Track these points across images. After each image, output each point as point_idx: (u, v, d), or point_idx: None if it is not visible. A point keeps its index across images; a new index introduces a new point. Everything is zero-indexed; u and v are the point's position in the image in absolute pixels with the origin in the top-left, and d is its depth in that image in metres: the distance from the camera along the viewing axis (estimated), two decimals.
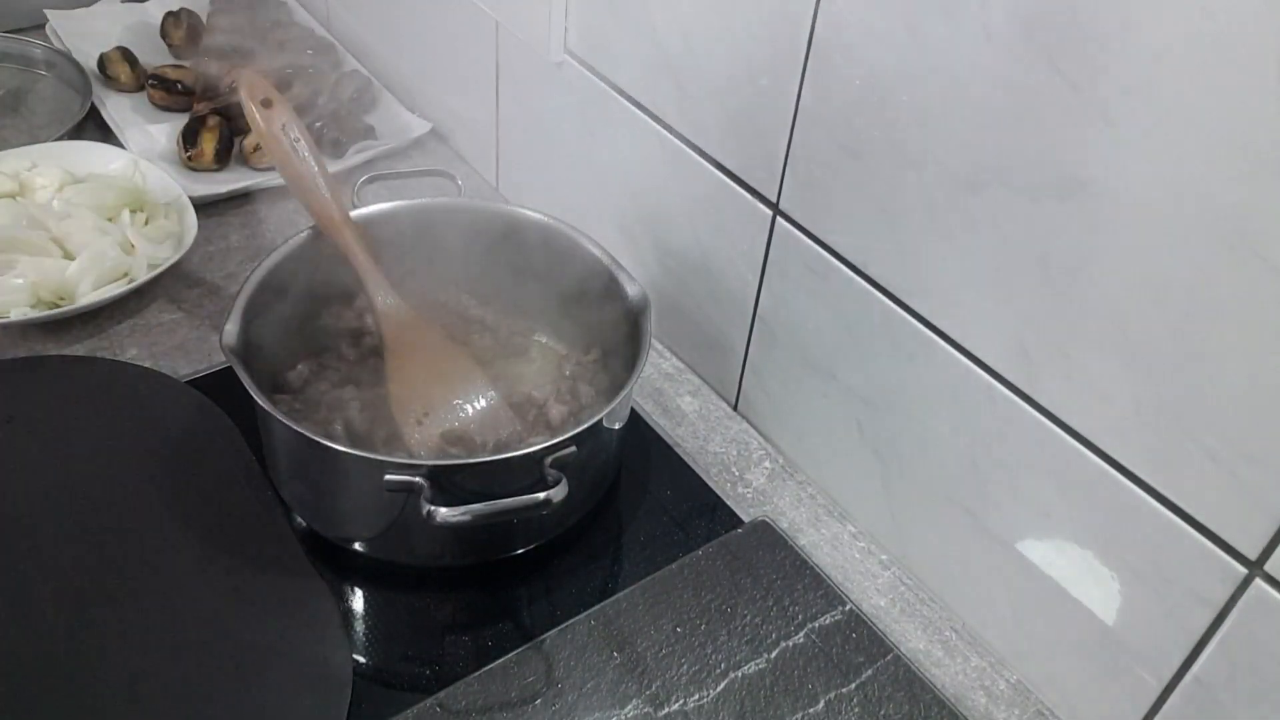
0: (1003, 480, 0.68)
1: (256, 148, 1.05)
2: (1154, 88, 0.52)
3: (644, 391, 0.91)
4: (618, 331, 0.82)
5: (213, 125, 1.05)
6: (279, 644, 0.68)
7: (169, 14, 1.22)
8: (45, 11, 1.22)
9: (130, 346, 0.88)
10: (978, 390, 0.67)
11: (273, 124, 0.78)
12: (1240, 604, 0.58)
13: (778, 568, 0.76)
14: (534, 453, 0.67)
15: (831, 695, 0.69)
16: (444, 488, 0.65)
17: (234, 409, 0.81)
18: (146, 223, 0.95)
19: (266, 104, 0.78)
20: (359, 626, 0.71)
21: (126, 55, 1.14)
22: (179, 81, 1.11)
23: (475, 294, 0.87)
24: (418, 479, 0.65)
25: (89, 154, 1.00)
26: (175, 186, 0.98)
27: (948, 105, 0.62)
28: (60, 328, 0.89)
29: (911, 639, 0.74)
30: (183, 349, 0.88)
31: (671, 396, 0.91)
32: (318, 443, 0.66)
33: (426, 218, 0.82)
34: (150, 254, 0.91)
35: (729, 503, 0.81)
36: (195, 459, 0.78)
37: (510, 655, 0.69)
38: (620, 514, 0.81)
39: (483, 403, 0.78)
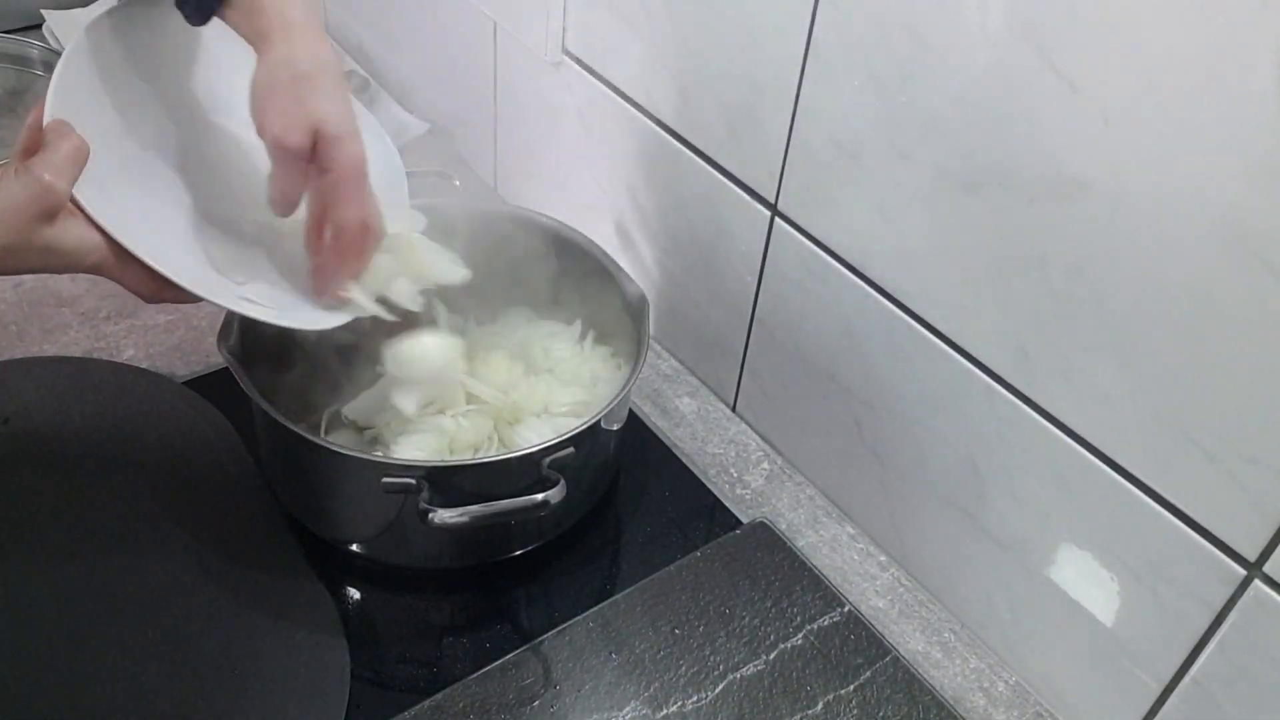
0: (1002, 481, 0.68)
1: None
2: (1154, 88, 0.52)
3: (642, 392, 0.91)
4: (616, 332, 0.82)
5: None
6: (276, 646, 0.67)
7: None
8: (43, 12, 1.22)
9: (127, 347, 0.88)
10: (977, 391, 0.67)
11: None
12: (1239, 605, 0.58)
13: (776, 569, 0.76)
14: (532, 454, 0.67)
15: (830, 697, 0.69)
16: (442, 489, 0.65)
17: (231, 410, 0.81)
18: None
19: None
20: (357, 628, 0.71)
21: None
22: None
23: (472, 294, 0.86)
24: (415, 480, 0.65)
25: None
26: None
27: (945, 106, 0.61)
28: (58, 328, 0.88)
29: (910, 640, 0.74)
30: (180, 350, 0.88)
31: (670, 397, 0.91)
32: (315, 444, 0.66)
33: (424, 218, 0.82)
34: None
35: (727, 504, 0.81)
36: (192, 460, 0.78)
37: (508, 657, 0.69)
38: (618, 515, 0.81)
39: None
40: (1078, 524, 0.65)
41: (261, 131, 0.63)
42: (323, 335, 0.75)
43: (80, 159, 0.56)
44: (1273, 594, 0.56)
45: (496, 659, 0.69)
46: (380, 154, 0.73)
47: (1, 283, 0.92)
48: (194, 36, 0.68)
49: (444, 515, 0.63)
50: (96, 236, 0.56)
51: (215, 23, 0.66)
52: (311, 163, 0.63)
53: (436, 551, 0.73)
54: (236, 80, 0.67)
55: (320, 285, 0.68)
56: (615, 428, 0.76)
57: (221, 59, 0.69)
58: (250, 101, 0.63)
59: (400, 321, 0.80)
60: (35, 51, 1.18)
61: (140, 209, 0.62)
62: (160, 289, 0.59)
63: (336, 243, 0.65)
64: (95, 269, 0.57)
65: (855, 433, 0.78)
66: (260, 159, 0.67)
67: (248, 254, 0.68)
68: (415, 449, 0.73)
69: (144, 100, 0.65)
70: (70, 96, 0.59)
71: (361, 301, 0.68)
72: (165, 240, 0.61)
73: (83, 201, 0.56)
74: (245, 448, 0.79)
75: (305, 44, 0.62)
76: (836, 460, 0.81)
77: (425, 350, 0.74)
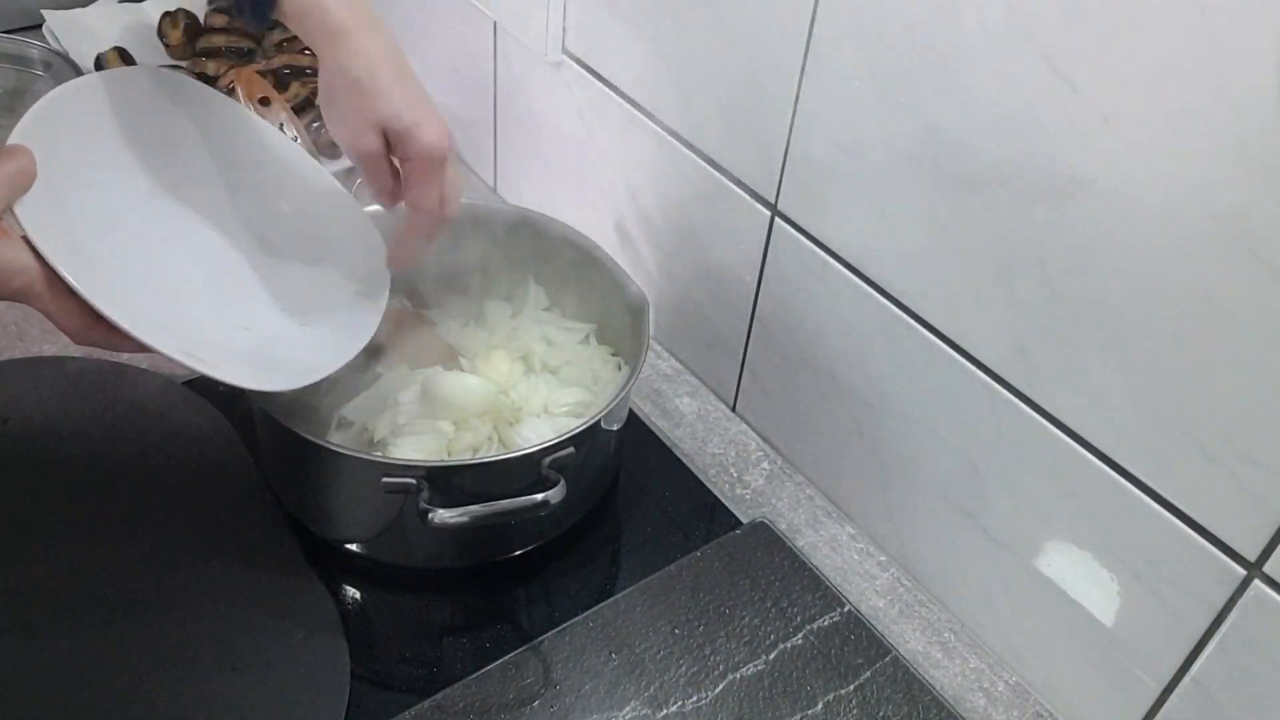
0: (1001, 481, 0.68)
1: None
2: (1154, 88, 0.52)
3: (642, 392, 0.91)
4: (616, 332, 0.82)
5: None
6: (276, 646, 0.67)
7: (166, 14, 1.22)
8: (42, 11, 1.22)
9: None
10: (976, 391, 0.67)
11: (270, 123, 0.78)
12: (1239, 605, 0.58)
13: (776, 569, 0.76)
14: (532, 454, 0.67)
15: (830, 697, 0.69)
16: (442, 489, 0.65)
17: (232, 411, 0.81)
18: None
19: (264, 103, 0.78)
20: (356, 628, 0.71)
21: (124, 55, 1.14)
22: None
23: (470, 293, 0.86)
24: (415, 480, 0.65)
25: None
26: None
27: (947, 105, 0.61)
28: (57, 329, 0.88)
29: (910, 640, 0.74)
30: None
31: (670, 397, 0.91)
32: (315, 444, 0.66)
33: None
34: None
35: (727, 504, 0.81)
36: (192, 460, 0.78)
37: (508, 657, 0.69)
38: (618, 515, 0.81)
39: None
40: (1078, 524, 0.65)
41: (338, 142, 0.66)
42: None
43: (22, 181, 0.55)
44: (1273, 594, 0.56)
45: (496, 659, 0.69)
46: (361, 247, 0.74)
47: None
48: (184, 109, 0.69)
49: (444, 515, 0.63)
50: (28, 260, 0.54)
51: (203, 97, 0.69)
52: (394, 154, 0.66)
53: (436, 551, 0.73)
54: (222, 152, 0.70)
55: (396, 256, 0.72)
56: (615, 428, 0.76)
57: (209, 132, 0.71)
58: (325, 118, 0.66)
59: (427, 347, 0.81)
60: (35, 51, 1.18)
61: (89, 253, 0.60)
62: (90, 325, 0.57)
63: (412, 219, 0.68)
64: (21, 293, 0.55)
65: (855, 432, 0.78)
66: (238, 236, 0.70)
67: (212, 329, 0.67)
68: (415, 449, 0.73)
69: (119, 163, 0.66)
70: (42, 134, 0.59)
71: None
72: (109, 287, 0.58)
73: (22, 220, 0.55)
74: (245, 448, 0.79)
75: (355, 47, 0.63)
76: (836, 460, 0.81)
77: (467, 390, 0.75)
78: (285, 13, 0.63)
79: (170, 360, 0.59)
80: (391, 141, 0.64)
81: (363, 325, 0.71)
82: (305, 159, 0.74)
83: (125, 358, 0.86)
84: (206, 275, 0.68)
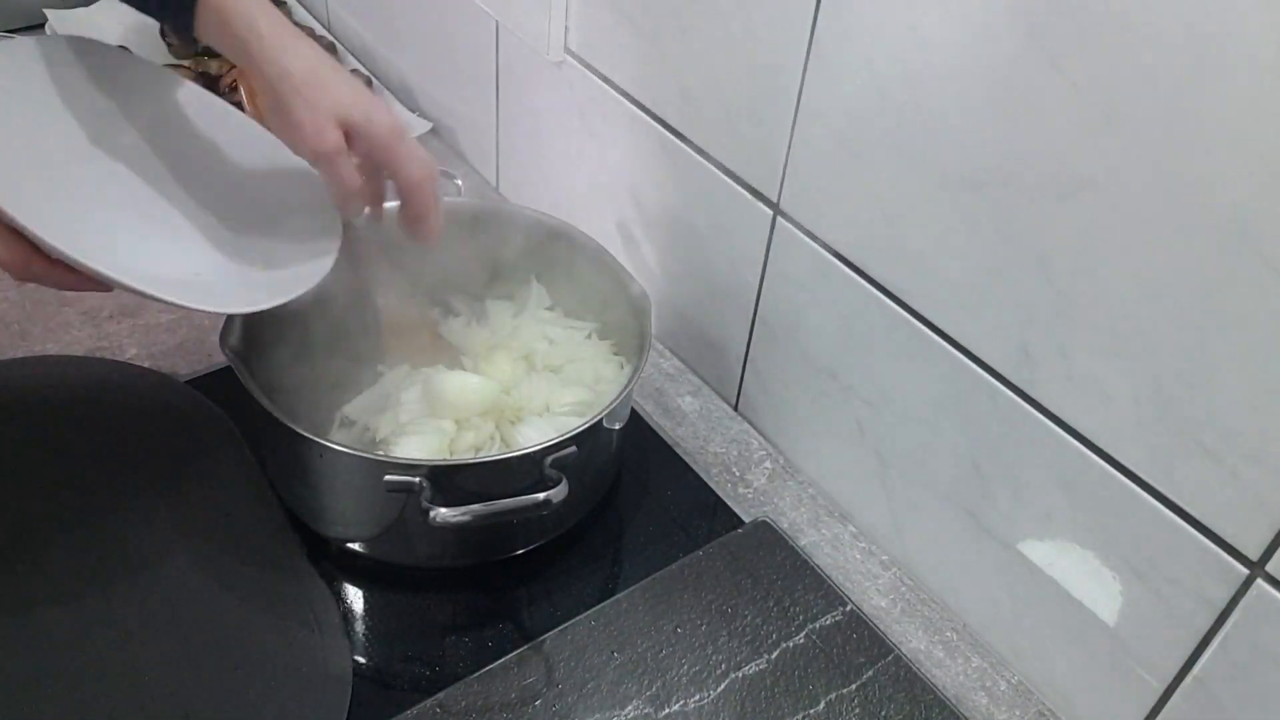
0: (1004, 481, 0.68)
1: None
2: (1154, 87, 0.52)
3: (644, 391, 0.91)
4: (618, 331, 0.82)
5: None
6: (279, 645, 0.67)
7: None
8: (45, 11, 1.22)
9: (130, 346, 0.88)
10: (978, 390, 0.67)
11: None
12: (1242, 604, 0.58)
13: (778, 568, 0.76)
14: (534, 453, 0.67)
15: (832, 696, 0.69)
16: (444, 488, 0.65)
17: (234, 409, 0.81)
18: None
19: None
20: (359, 627, 0.71)
21: None
22: None
23: (472, 292, 0.86)
24: (418, 479, 0.65)
25: None
26: None
27: (948, 105, 0.61)
28: (60, 327, 0.88)
29: (912, 639, 0.74)
30: (182, 349, 0.88)
31: (672, 396, 0.91)
32: (318, 443, 0.66)
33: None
34: None
35: (729, 503, 0.81)
36: (195, 459, 0.78)
37: (510, 656, 0.69)
38: (620, 514, 0.81)
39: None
40: (1080, 523, 0.65)
41: (296, 148, 0.64)
42: (329, 335, 0.76)
43: None
44: (1275, 593, 0.56)
45: (499, 658, 0.69)
46: (311, 198, 0.74)
47: (4, 281, 0.92)
48: (126, 76, 0.70)
49: (446, 514, 0.63)
50: None
51: (142, 68, 0.70)
52: (352, 151, 0.64)
53: (439, 550, 0.74)
54: (164, 116, 0.71)
55: (419, 233, 0.69)
56: (617, 427, 0.76)
57: (152, 98, 0.72)
58: (271, 127, 0.65)
59: (430, 348, 0.81)
60: None
61: (28, 195, 0.59)
62: (28, 258, 0.56)
63: (412, 199, 0.67)
64: None
65: (857, 432, 0.78)
66: (182, 191, 0.70)
67: (158, 270, 0.66)
68: (417, 448, 0.73)
69: (60, 118, 0.66)
70: None
71: None
72: (50, 223, 0.58)
73: None
74: (248, 447, 0.79)
75: (291, 50, 0.62)
76: (838, 459, 0.81)
77: (469, 390, 0.75)
78: (205, 23, 0.62)
79: (117, 286, 0.58)
80: (351, 134, 0.63)
81: (314, 270, 0.70)
82: (252, 124, 0.75)
83: (128, 356, 0.87)
84: (151, 226, 0.68)
